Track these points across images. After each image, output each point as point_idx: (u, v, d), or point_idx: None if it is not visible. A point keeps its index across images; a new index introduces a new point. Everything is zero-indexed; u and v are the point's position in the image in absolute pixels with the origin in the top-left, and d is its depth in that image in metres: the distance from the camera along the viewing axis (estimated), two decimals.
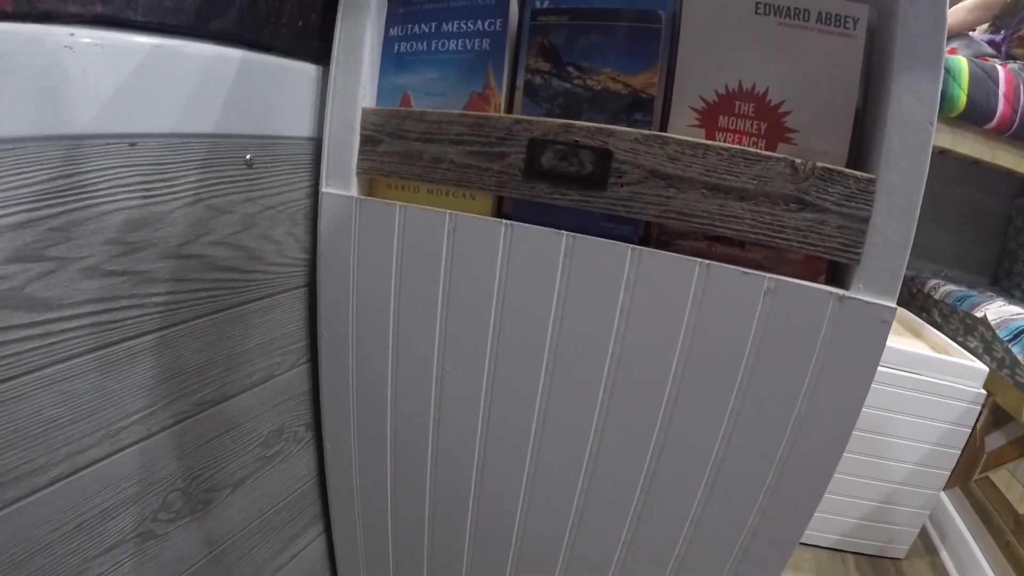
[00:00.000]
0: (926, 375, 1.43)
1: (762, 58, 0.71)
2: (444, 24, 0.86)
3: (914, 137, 0.66)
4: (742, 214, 0.69)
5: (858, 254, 0.68)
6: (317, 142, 0.93)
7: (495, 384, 0.85)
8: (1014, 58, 1.69)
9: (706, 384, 0.74)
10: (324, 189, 0.92)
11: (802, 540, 1.39)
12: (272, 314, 0.94)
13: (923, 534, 1.61)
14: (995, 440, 1.61)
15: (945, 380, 1.44)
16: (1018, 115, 1.51)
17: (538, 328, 0.79)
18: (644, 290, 0.73)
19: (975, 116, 1.53)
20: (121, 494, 0.75)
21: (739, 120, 0.71)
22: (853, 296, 0.68)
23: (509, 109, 0.82)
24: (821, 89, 0.70)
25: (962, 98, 1.51)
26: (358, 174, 0.90)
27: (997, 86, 1.51)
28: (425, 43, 0.87)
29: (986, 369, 1.45)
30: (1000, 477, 1.57)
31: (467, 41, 0.84)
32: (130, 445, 0.74)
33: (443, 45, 0.86)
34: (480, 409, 0.88)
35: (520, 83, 0.81)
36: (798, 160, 0.68)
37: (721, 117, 0.72)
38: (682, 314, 0.72)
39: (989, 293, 1.79)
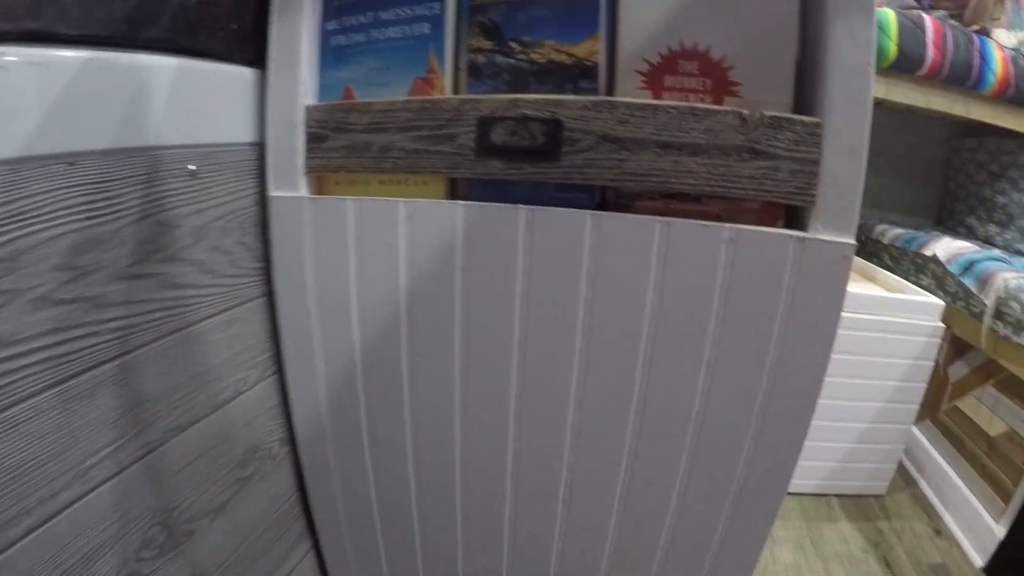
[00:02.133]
0: (884, 315, 1.46)
1: (702, 16, 0.71)
2: (381, 12, 0.84)
3: (855, 80, 0.67)
4: (696, 169, 0.68)
5: (812, 196, 0.69)
6: (261, 147, 0.90)
7: (467, 370, 0.84)
8: (937, 9, 1.72)
9: (678, 341, 0.74)
10: (272, 193, 0.89)
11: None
12: (232, 328, 0.90)
13: (901, 469, 1.65)
14: (958, 370, 1.65)
15: (903, 318, 1.47)
16: (947, 60, 1.54)
17: (505, 306, 0.78)
18: (607, 254, 0.72)
19: (906, 64, 1.55)
20: (100, 536, 0.71)
21: (684, 79, 0.71)
22: (812, 236, 0.69)
23: (455, 91, 0.81)
24: (761, 41, 0.70)
25: (892, 48, 1.53)
26: (306, 174, 0.88)
27: (925, 34, 1.53)
28: (363, 33, 0.85)
29: (941, 303, 1.48)
30: (967, 404, 1.61)
31: (406, 27, 0.82)
32: (102, 483, 0.70)
33: (382, 34, 0.84)
34: (455, 396, 0.86)
35: (463, 64, 0.80)
36: (746, 111, 0.67)
37: (666, 77, 0.71)
38: (647, 274, 0.71)
39: (935, 232, 1.82)
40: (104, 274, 0.68)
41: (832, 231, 0.69)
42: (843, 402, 1.50)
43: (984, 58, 1.57)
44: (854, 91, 0.67)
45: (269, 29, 0.87)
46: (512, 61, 0.75)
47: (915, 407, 1.54)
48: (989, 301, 1.43)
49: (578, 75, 0.73)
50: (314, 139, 0.86)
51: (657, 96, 0.71)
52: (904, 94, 1.60)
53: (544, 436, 0.84)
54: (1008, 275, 1.42)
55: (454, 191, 0.82)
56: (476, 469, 0.91)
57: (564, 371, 0.79)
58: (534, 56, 0.75)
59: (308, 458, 1.03)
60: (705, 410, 0.76)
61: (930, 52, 1.53)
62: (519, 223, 0.74)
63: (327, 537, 1.11)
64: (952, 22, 1.61)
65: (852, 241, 0.69)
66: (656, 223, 0.70)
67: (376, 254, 0.83)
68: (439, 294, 0.81)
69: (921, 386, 1.52)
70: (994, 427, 1.50)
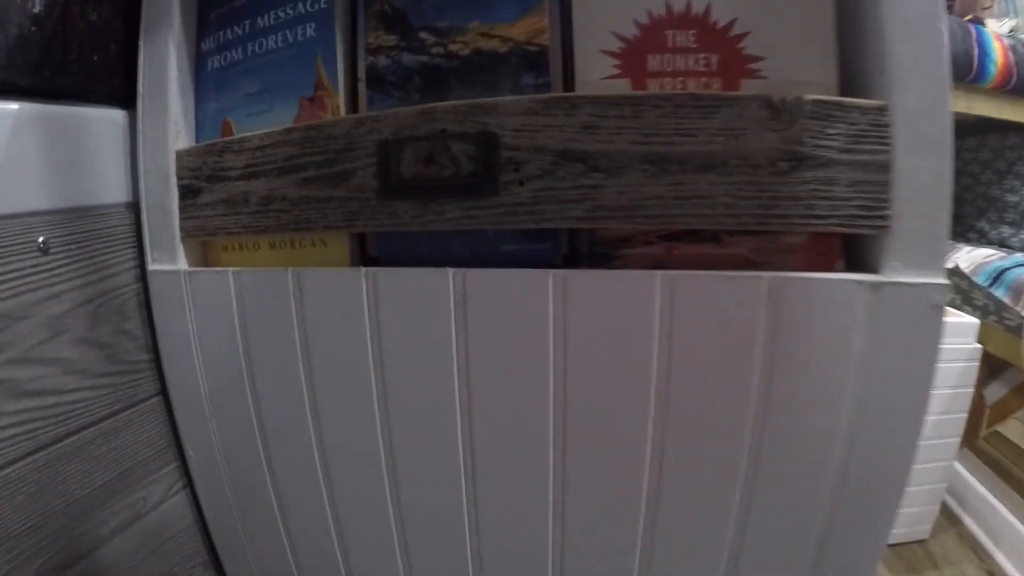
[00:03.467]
0: None
1: None
2: (260, 18, 0.56)
3: (925, 41, 0.40)
4: (710, 191, 0.40)
5: (885, 217, 0.40)
6: (137, 207, 0.62)
7: (401, 499, 0.54)
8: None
9: (698, 449, 0.44)
10: (151, 267, 0.61)
11: None
12: (119, 439, 0.62)
13: (942, 506, 1.33)
14: (994, 391, 1.34)
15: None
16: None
17: (439, 405, 0.48)
18: (582, 330, 0.43)
19: None
20: None
21: (677, 57, 0.43)
22: (890, 280, 0.40)
23: (352, 111, 0.52)
24: None
25: None
26: (183, 239, 0.59)
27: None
28: (240, 49, 0.57)
29: (977, 322, 1.18)
30: (1011, 428, 1.30)
31: (288, 32, 0.54)
32: None
33: (260, 46, 0.56)
34: (392, 531, 0.56)
35: (363, 73, 0.51)
36: (776, 96, 0.39)
37: (651, 57, 0.43)
38: (647, 353, 0.42)
39: (948, 241, 1.52)
40: None
41: (915, 269, 0.41)
42: None
43: (983, 48, 1.29)
44: (925, 57, 0.40)
45: (139, 56, 0.60)
46: (424, 59, 0.47)
47: (957, 440, 1.23)
48: None
49: (519, 67, 0.44)
50: (187, 193, 0.58)
51: (639, 86, 0.43)
52: None
53: None
54: None
55: (364, 250, 0.52)
56: None
57: (535, 496, 0.49)
58: (454, 48, 0.46)
59: None
60: (741, 543, 0.47)
61: None
62: (448, 293, 0.44)
63: None
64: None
65: (943, 280, 0.41)
66: (655, 279, 0.40)
67: (268, 342, 0.55)
68: (351, 393, 0.51)
69: (962, 416, 1.21)
70: None
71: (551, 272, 0.41)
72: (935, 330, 0.42)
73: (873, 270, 0.42)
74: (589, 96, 0.40)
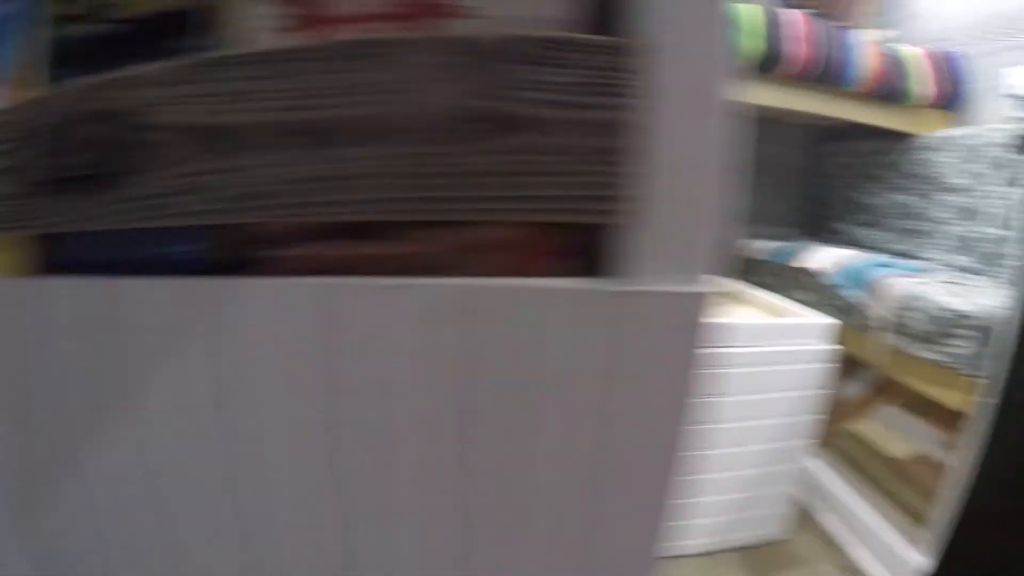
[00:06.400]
0: (768, 345, 1.03)
1: None
2: None
3: None
4: (363, 170, 0.28)
5: (626, 200, 0.29)
6: None
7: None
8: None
9: (384, 527, 0.32)
10: None
11: (672, 554, 0.86)
12: None
13: (801, 506, 1.22)
14: (849, 391, 1.26)
15: (791, 345, 1.05)
16: (820, 56, 1.19)
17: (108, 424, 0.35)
18: (234, 352, 0.30)
19: (775, 63, 1.17)
20: None
21: None
22: (632, 289, 0.30)
23: None
24: None
25: (760, 46, 1.15)
26: None
27: (794, 29, 1.18)
28: None
29: (828, 322, 1.08)
30: (867, 427, 1.22)
31: None
32: None
33: None
34: None
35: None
36: (468, 36, 0.28)
37: None
38: (296, 393, 0.30)
39: (809, 243, 1.43)
40: None
41: (675, 270, 0.30)
42: (731, 449, 1.05)
43: (856, 53, 1.22)
44: None
45: None
46: (90, 28, 0.34)
47: (805, 442, 1.12)
48: (885, 313, 1.06)
49: (179, 28, 0.32)
50: None
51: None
52: (774, 96, 1.21)
53: None
54: (900, 281, 1.06)
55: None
56: None
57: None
58: (120, 13, 0.33)
59: None
60: None
61: (801, 48, 1.17)
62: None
63: None
64: (818, 20, 1.25)
65: (701, 288, 0.30)
66: (299, 291, 0.28)
67: None
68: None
69: (811, 418, 1.11)
70: (905, 451, 1.11)
71: (168, 283, 0.29)
72: (687, 349, 0.31)
73: (617, 274, 0.31)
74: (226, 56, 0.28)
